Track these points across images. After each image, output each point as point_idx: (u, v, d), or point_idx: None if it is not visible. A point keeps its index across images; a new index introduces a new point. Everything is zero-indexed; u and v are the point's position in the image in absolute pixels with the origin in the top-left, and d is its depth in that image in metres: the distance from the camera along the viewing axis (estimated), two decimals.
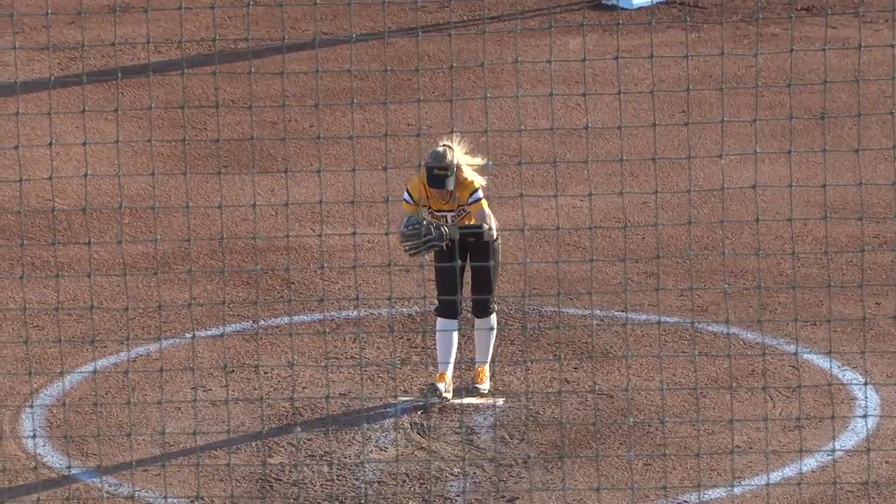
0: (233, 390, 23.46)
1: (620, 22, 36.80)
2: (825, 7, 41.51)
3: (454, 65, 36.05)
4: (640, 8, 36.85)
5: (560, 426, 21.64)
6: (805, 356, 22.95)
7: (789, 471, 20.36)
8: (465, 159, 20.85)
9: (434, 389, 21.42)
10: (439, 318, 21.53)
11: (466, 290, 21.09)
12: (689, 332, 24.32)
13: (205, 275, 27.49)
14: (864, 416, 21.61)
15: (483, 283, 21.08)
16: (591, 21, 37.20)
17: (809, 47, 37.06)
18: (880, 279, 25.83)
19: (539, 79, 35.34)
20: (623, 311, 24.94)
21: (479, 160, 21.55)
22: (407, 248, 21.46)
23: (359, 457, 21.28)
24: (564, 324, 24.77)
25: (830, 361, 22.83)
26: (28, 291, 26.90)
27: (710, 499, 20.33)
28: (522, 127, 32.77)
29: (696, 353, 23.49)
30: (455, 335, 21.30)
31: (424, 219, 21.33)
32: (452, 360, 21.47)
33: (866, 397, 21.96)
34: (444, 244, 21.61)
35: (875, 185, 28.98)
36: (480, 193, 20.90)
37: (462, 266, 21.03)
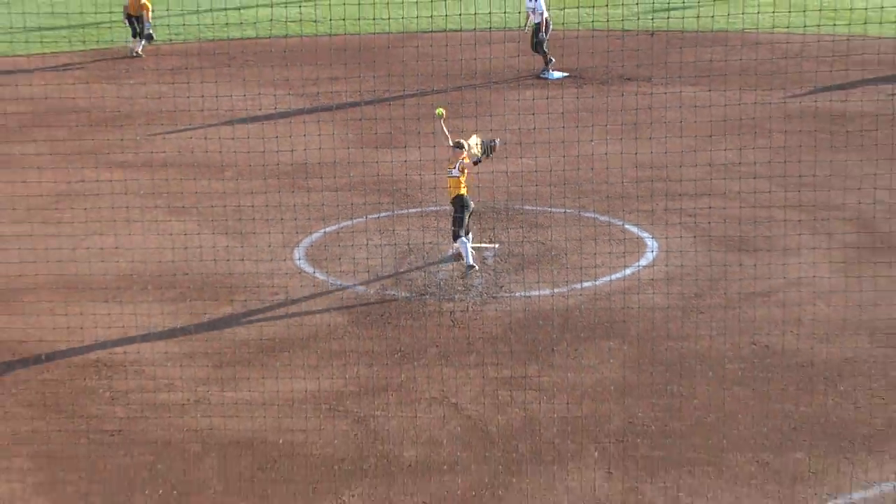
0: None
1: (549, 84, 49.80)
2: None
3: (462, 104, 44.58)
4: (558, 79, 52.53)
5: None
6: (627, 227, 34.05)
7: (600, 282, 31.07)
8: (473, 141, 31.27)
9: (470, 266, 31.22)
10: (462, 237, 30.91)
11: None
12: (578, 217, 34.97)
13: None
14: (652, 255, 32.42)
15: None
16: (537, 84, 50.27)
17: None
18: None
19: (513, 109, 46.76)
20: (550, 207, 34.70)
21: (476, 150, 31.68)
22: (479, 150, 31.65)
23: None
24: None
25: (638, 228, 34.02)
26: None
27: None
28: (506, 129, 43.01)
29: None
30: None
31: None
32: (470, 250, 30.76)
33: (653, 246, 33.11)
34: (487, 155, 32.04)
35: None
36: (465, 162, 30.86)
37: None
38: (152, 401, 25.78)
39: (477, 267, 31.31)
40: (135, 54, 54.48)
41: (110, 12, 55.64)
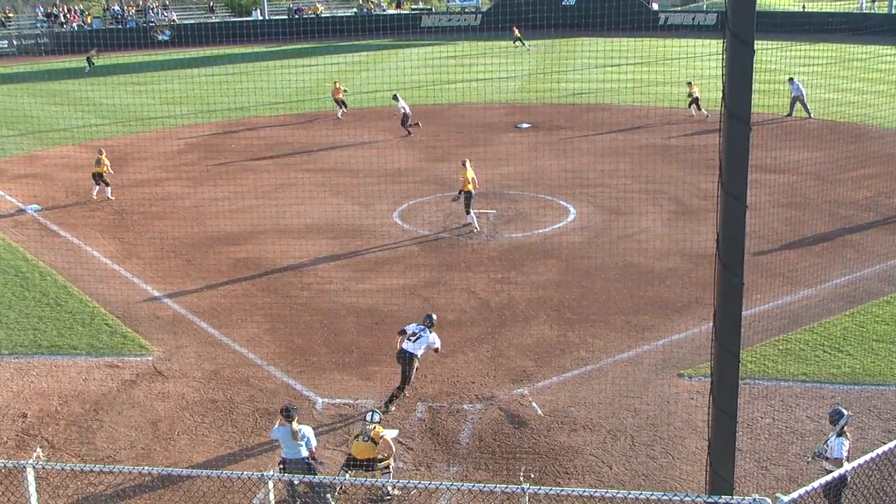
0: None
1: (521, 131, 45.43)
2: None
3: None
4: (526, 127, 45.71)
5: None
6: (560, 202, 32.92)
7: (547, 230, 31.03)
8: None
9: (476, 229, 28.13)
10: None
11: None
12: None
13: None
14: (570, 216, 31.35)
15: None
16: (514, 131, 45.40)
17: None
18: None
19: (502, 142, 45.15)
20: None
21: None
22: None
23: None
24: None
25: (565, 202, 32.67)
26: None
27: None
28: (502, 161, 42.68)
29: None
30: None
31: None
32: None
33: (573, 212, 32.15)
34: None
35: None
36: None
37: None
38: (321, 288, 25.73)
39: (478, 228, 29.57)
40: (340, 118, 51.38)
41: (317, 97, 55.53)
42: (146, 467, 12.92)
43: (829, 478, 11.84)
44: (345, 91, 51.66)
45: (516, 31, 75.75)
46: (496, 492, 10.98)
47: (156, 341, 22.18)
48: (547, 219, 31.04)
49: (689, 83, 46.81)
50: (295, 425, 13.91)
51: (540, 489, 10.84)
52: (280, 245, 28.40)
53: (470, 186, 29.29)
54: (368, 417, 15.79)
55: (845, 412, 14.06)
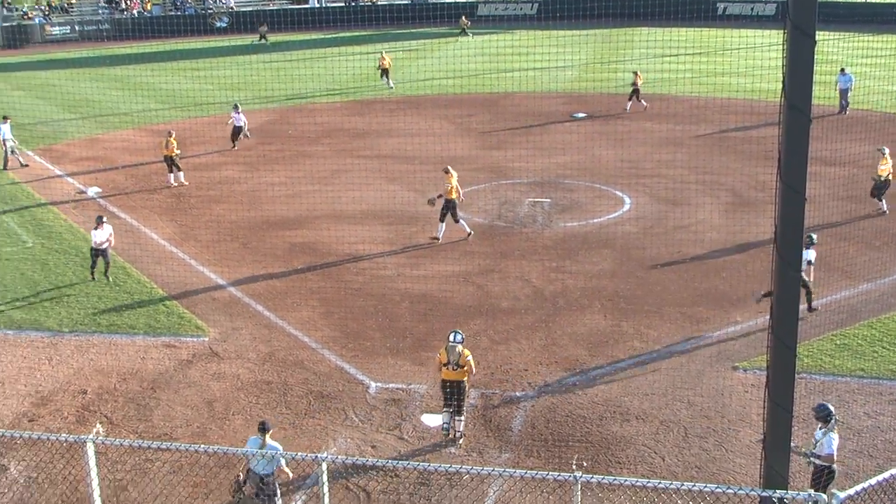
0: None
1: (576, 121, 44.55)
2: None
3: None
4: (581, 118, 44.99)
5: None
6: (615, 191, 32.89)
7: (602, 219, 31.81)
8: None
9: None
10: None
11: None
12: None
13: None
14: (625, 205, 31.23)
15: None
16: (570, 121, 44.70)
17: None
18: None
19: (558, 132, 46.17)
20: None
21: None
22: None
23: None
24: None
25: (621, 192, 32.52)
26: None
27: None
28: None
29: None
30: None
31: None
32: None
33: (628, 201, 31.89)
34: None
35: None
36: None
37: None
38: (376, 273, 25.83)
39: (471, 231, 27.96)
40: (390, 87, 53.04)
41: (373, 85, 55.40)
42: (202, 445, 13.09)
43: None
44: (390, 64, 52.05)
45: (464, 19, 78.11)
46: (548, 479, 10.94)
47: (212, 322, 22.40)
48: (602, 208, 30.88)
49: (636, 73, 46.37)
50: (267, 439, 13.59)
51: (592, 478, 10.77)
52: (335, 230, 28.54)
53: (454, 195, 27.46)
54: (452, 338, 16.62)
55: (832, 408, 13.90)
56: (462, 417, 16.94)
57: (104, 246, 25.14)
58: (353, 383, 19.29)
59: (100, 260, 25.30)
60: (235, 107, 40.30)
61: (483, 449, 16.83)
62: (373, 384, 19.32)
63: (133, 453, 16.30)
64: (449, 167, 27.96)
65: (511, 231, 28.90)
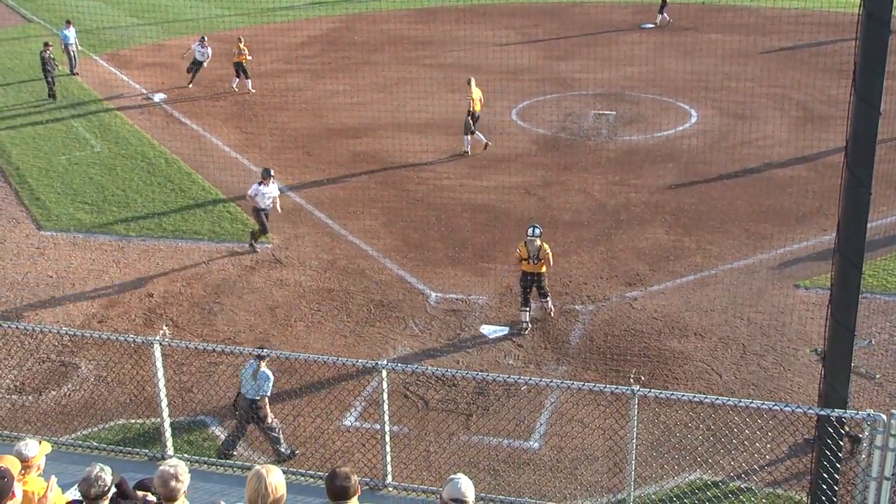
0: None
1: (646, 30, 44.77)
2: None
3: None
4: (649, 29, 44.77)
5: None
6: (682, 104, 33.26)
7: (667, 133, 33.49)
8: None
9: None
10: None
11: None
12: None
13: None
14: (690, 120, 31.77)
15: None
16: (640, 32, 44.36)
17: None
18: None
19: (624, 42, 47.10)
20: None
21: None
22: None
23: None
24: None
25: (688, 105, 32.81)
26: None
27: None
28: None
29: None
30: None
31: None
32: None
33: (694, 115, 31.57)
34: None
35: None
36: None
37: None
38: (438, 184, 25.88)
39: (468, 152, 27.54)
40: None
41: None
42: (265, 349, 13.32)
43: None
44: None
45: None
46: (605, 392, 10.98)
47: (275, 230, 22.58)
48: (667, 122, 30.45)
49: None
50: (263, 366, 13.49)
51: (649, 392, 10.80)
52: (398, 140, 28.51)
53: (478, 106, 27.25)
54: (531, 232, 17.44)
55: None
56: (548, 298, 18.05)
57: (269, 206, 21.26)
58: (414, 293, 19.42)
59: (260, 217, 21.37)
60: (202, 39, 35.67)
61: (541, 361, 16.92)
62: (433, 294, 19.44)
63: (198, 356, 16.62)
64: (471, 78, 27.65)
65: (574, 143, 28.69)
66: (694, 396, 11.75)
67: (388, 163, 27.16)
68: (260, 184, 21.31)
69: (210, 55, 35.36)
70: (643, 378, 15.42)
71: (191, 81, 35.32)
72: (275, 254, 21.51)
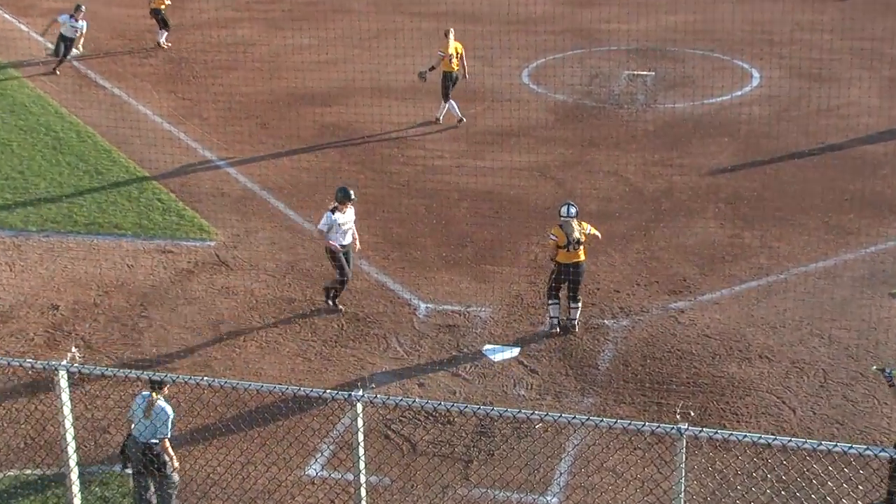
0: None
1: None
2: None
3: None
4: None
5: None
6: (740, 63, 34.29)
7: (721, 98, 32.48)
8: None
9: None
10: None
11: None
12: None
13: None
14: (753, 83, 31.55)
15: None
16: None
17: None
18: None
19: None
20: None
21: None
22: None
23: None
24: None
25: (749, 65, 33.38)
26: None
27: None
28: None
29: None
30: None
31: None
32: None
33: (756, 76, 31.66)
34: None
35: None
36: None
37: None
38: (428, 164, 25.84)
39: (441, 121, 28.14)
40: None
41: None
42: (204, 378, 13.00)
43: None
44: None
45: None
46: (643, 432, 10.74)
47: (219, 223, 22.41)
48: (721, 84, 30.17)
49: None
50: (159, 398, 12.95)
51: (701, 431, 10.52)
52: (378, 108, 27.92)
53: (454, 65, 27.43)
54: (565, 212, 17.68)
55: None
56: (579, 304, 18.03)
57: (349, 243, 19.18)
58: (398, 304, 19.20)
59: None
60: (78, 8, 32.25)
61: (561, 391, 16.70)
62: (422, 305, 19.25)
63: (117, 386, 16.21)
64: (450, 29, 27.69)
65: (602, 112, 28.64)
66: (759, 437, 11.50)
67: (366, 137, 27.09)
68: (334, 210, 18.76)
69: (85, 30, 32.25)
70: (693, 414, 15.13)
71: (57, 66, 32.26)
72: (219, 254, 21.24)
